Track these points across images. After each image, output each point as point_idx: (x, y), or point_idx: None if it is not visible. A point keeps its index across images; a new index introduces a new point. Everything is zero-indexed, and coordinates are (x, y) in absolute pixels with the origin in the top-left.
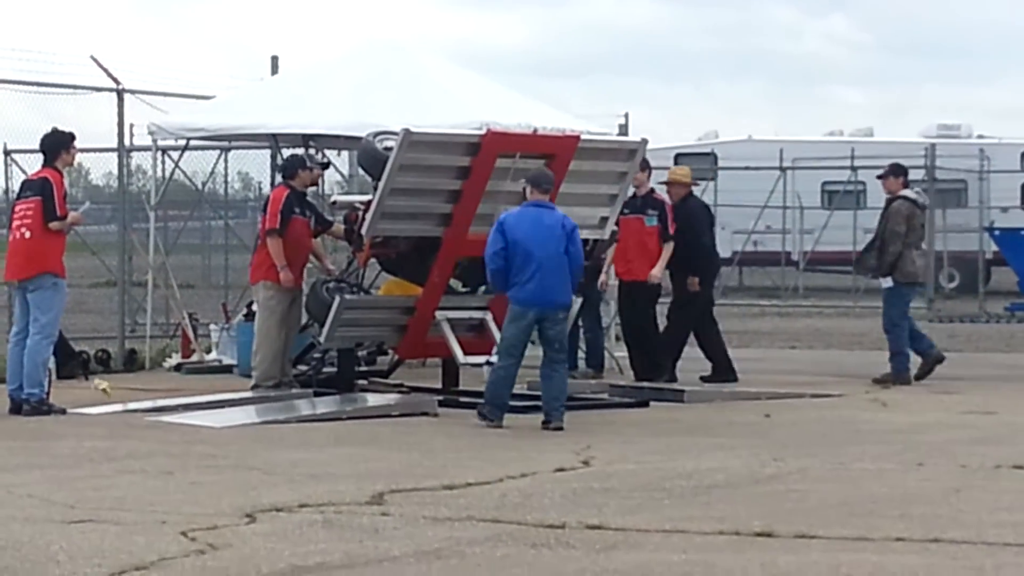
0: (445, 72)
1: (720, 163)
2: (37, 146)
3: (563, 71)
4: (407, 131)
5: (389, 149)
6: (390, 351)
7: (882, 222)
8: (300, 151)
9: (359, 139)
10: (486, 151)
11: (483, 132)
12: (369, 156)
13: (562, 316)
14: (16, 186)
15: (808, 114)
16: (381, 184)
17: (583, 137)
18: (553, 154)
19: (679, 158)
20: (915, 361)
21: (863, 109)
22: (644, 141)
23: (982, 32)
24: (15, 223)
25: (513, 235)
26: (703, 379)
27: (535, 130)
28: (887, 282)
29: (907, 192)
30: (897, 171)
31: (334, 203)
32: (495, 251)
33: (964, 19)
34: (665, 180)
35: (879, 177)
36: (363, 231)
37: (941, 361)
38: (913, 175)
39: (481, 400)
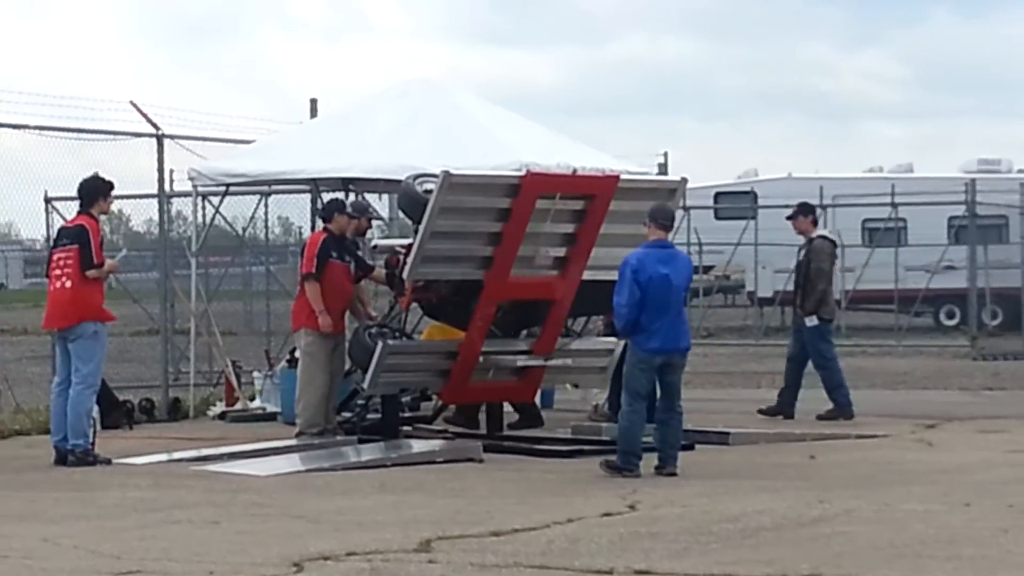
0: (482, 111)
1: (760, 201)
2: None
3: (597, 110)
4: (447, 173)
5: (429, 192)
6: (434, 396)
7: (806, 261)
8: (340, 195)
9: (399, 182)
10: (526, 192)
11: (523, 173)
12: (409, 199)
13: (683, 361)
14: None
15: (847, 150)
16: (421, 227)
17: (623, 177)
18: (593, 194)
19: (719, 197)
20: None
21: (902, 144)
22: (684, 180)
23: (1020, 65)
24: (55, 272)
25: (646, 283)
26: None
27: (574, 170)
28: (812, 321)
29: (824, 232)
30: (806, 210)
31: (375, 247)
32: (633, 303)
33: (1001, 52)
34: None
35: (788, 218)
36: (404, 275)
37: (789, 417)
38: (954, 211)
39: (529, 445)
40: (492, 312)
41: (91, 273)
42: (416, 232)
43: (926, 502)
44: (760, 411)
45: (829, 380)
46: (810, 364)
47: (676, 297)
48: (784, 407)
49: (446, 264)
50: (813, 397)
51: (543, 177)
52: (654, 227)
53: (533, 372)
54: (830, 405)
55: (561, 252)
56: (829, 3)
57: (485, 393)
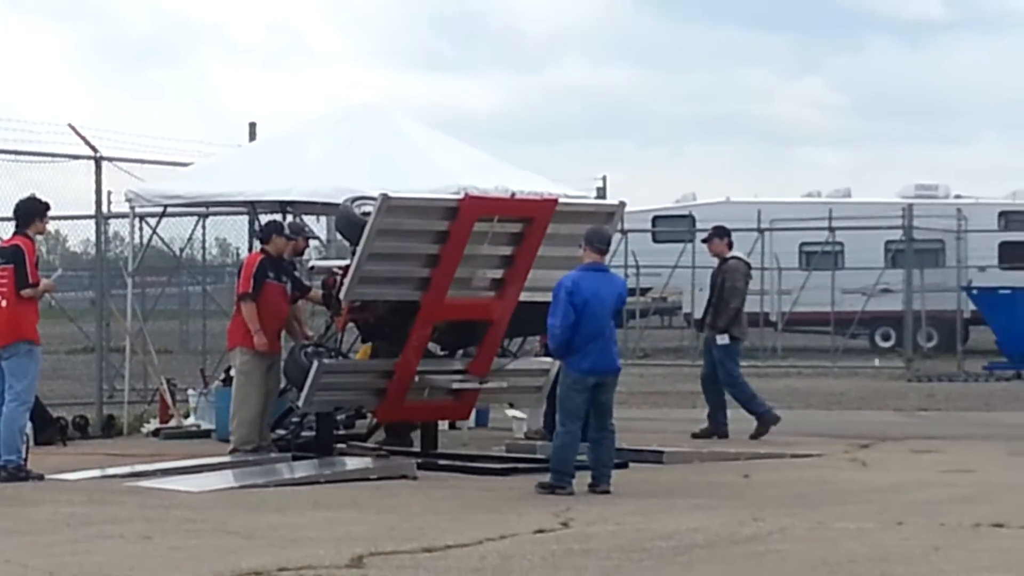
0: (421, 136)
1: (698, 225)
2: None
3: (536, 136)
4: (385, 196)
5: (367, 214)
6: (368, 414)
7: (719, 280)
8: (278, 217)
9: (337, 204)
10: (464, 215)
11: (461, 196)
12: (347, 221)
13: (615, 382)
14: None
15: (785, 176)
16: (359, 249)
17: (561, 200)
18: (531, 218)
19: (657, 220)
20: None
21: (840, 170)
22: (622, 204)
23: (957, 92)
24: None
25: (580, 303)
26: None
27: (513, 194)
28: (723, 339)
29: (738, 253)
30: (721, 233)
31: (312, 268)
32: (568, 324)
33: (938, 79)
34: None
35: (704, 241)
36: (341, 296)
37: (724, 436)
38: (891, 235)
39: (463, 463)
40: (428, 333)
41: (26, 292)
42: (354, 253)
43: (859, 521)
44: (694, 435)
45: (741, 396)
46: None
47: (609, 319)
48: (717, 427)
49: (383, 285)
50: (746, 417)
51: (481, 200)
52: (589, 250)
53: (468, 392)
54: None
55: (498, 274)
56: (769, 32)
57: (420, 412)
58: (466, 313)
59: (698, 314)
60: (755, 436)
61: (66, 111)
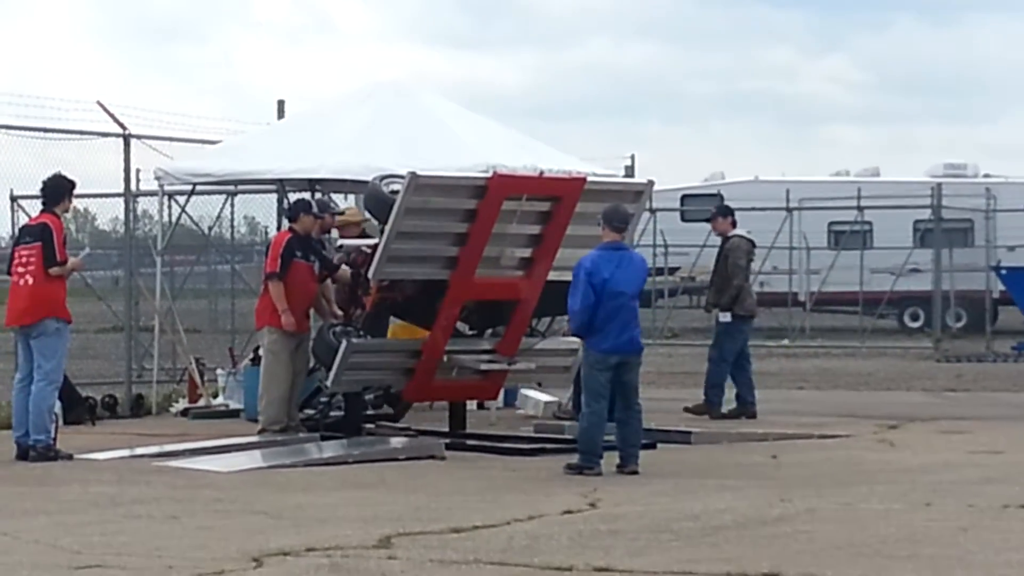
0: (450, 114)
1: (726, 204)
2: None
3: (562, 113)
4: (413, 174)
5: (395, 192)
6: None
7: (721, 258)
8: (306, 195)
9: (365, 183)
10: (492, 194)
11: (489, 175)
12: (375, 200)
13: (638, 361)
14: None
15: (810, 154)
16: (387, 227)
17: (589, 179)
18: (559, 196)
19: (685, 199)
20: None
21: (866, 148)
22: (651, 183)
23: (983, 70)
24: (17, 269)
25: (600, 284)
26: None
27: (541, 172)
28: (725, 317)
29: (741, 231)
30: (725, 212)
31: (340, 247)
32: (586, 305)
33: (963, 57)
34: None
35: (707, 220)
36: (370, 275)
37: (752, 417)
38: (920, 214)
39: (491, 443)
40: (457, 312)
41: (54, 271)
42: (382, 232)
43: (887, 501)
44: (722, 415)
45: (713, 376)
46: (751, 359)
47: (630, 299)
48: (745, 407)
49: (412, 264)
50: (774, 397)
51: (510, 179)
52: (608, 229)
53: (496, 372)
54: (799, 404)
55: (527, 253)
56: (792, 9)
57: (449, 392)
58: (494, 292)
59: None
60: (691, 410)
61: (90, 87)
